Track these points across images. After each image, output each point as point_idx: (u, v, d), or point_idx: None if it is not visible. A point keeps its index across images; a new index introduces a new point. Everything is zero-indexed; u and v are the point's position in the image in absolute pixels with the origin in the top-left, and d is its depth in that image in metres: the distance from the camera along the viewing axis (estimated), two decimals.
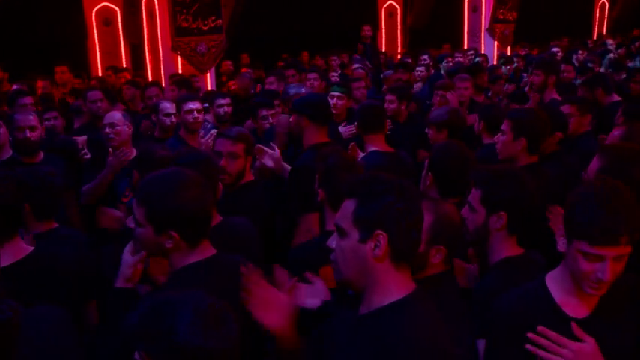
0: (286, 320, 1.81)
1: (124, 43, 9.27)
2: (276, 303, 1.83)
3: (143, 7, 8.42)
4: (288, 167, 3.53)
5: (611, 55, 8.33)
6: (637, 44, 10.70)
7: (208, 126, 4.77)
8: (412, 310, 1.58)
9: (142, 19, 8.48)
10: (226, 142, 3.16)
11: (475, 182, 2.30)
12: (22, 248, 2.29)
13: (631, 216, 1.70)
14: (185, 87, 6.03)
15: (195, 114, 4.33)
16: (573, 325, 1.76)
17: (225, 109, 4.91)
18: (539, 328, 1.77)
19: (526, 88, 5.86)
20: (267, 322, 1.79)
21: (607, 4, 15.51)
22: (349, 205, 1.62)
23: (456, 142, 3.06)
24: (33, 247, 2.32)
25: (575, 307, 1.82)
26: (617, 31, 13.55)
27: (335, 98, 4.85)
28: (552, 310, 1.83)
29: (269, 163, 3.53)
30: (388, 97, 5.06)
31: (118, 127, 3.89)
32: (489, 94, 6.56)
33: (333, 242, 1.68)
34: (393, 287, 1.60)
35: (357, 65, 7.82)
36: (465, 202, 2.38)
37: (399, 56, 11.20)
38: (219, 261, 2.03)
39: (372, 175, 1.66)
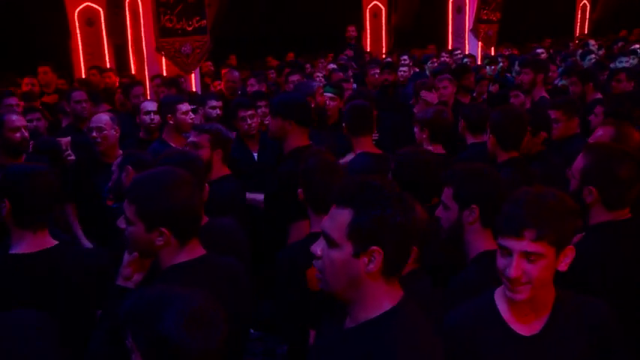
0: None
1: (108, 44, 9.18)
2: None
3: (127, 7, 8.36)
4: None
5: (593, 56, 8.43)
6: (620, 44, 10.83)
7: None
8: (399, 322, 1.51)
9: (126, 19, 8.43)
10: (192, 132, 3.24)
11: (446, 180, 2.35)
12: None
13: (543, 215, 1.65)
14: (175, 87, 6.02)
15: (191, 114, 4.37)
16: None
17: (218, 111, 4.89)
18: None
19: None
20: None
21: (588, 5, 15.69)
22: (343, 215, 1.50)
23: (415, 149, 3.03)
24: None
25: (523, 325, 1.77)
26: (597, 32, 13.72)
27: (327, 99, 4.84)
28: (501, 328, 1.77)
29: None
30: None
31: (105, 132, 3.85)
32: (474, 95, 6.60)
33: (317, 249, 1.57)
34: (381, 300, 1.52)
35: (332, 66, 7.86)
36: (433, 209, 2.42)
37: (383, 56, 11.24)
38: (209, 261, 2.03)
39: (368, 183, 1.52)
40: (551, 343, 1.74)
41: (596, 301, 1.83)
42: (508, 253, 1.69)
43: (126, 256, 2.02)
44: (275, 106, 3.45)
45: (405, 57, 8.27)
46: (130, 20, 8.38)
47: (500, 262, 1.72)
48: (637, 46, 9.52)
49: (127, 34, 8.52)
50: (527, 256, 1.67)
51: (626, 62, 7.82)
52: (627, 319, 1.93)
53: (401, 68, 7.73)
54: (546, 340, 1.74)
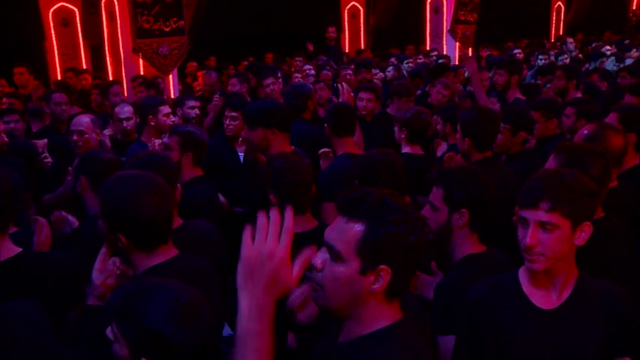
0: None
1: (84, 45, 9.07)
2: None
3: (102, 8, 8.26)
4: None
5: (566, 56, 8.56)
6: (593, 45, 11.03)
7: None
8: (394, 338, 1.44)
9: (102, 19, 8.33)
10: (174, 138, 3.21)
11: (436, 181, 2.34)
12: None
13: (559, 188, 1.76)
14: (153, 88, 5.97)
15: (172, 117, 4.35)
16: None
17: (197, 111, 4.86)
18: None
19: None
20: None
21: (563, 7, 15.94)
22: (354, 229, 1.40)
23: (381, 150, 2.97)
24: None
25: (543, 299, 1.85)
26: (572, 34, 13.94)
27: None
28: (521, 300, 1.86)
29: None
30: (366, 95, 4.96)
31: (86, 135, 3.79)
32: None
33: (318, 261, 1.44)
34: (378, 318, 1.44)
35: (308, 67, 7.85)
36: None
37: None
38: (181, 262, 2.02)
39: (384, 198, 1.43)
40: (568, 319, 1.82)
41: (619, 289, 1.90)
42: (526, 223, 1.80)
43: (96, 276, 1.94)
44: (252, 117, 3.36)
45: (393, 59, 8.34)
46: (106, 21, 8.29)
47: (520, 232, 1.83)
48: (607, 47, 9.69)
49: (104, 35, 8.42)
50: (542, 225, 1.77)
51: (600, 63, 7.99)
52: None
53: (374, 70, 7.78)
54: (563, 316, 1.82)
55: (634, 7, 15.89)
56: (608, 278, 2.24)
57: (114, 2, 7.94)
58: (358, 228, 1.40)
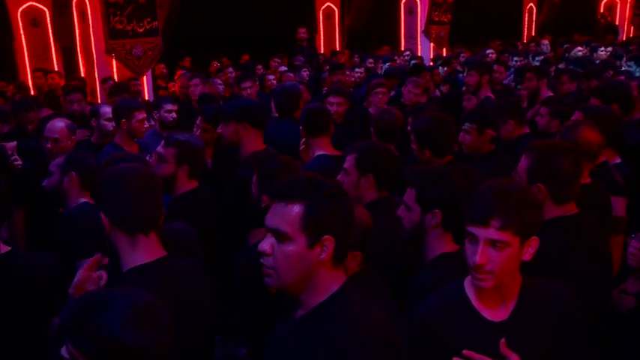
0: None
1: (55, 46, 8.91)
2: None
3: (74, 8, 8.11)
4: None
5: (542, 57, 8.68)
6: (565, 47, 11.21)
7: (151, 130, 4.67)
8: (347, 300, 1.59)
9: (73, 19, 8.18)
10: (163, 141, 3.14)
11: (409, 181, 2.35)
12: None
13: (509, 205, 1.72)
14: (122, 93, 5.87)
15: (146, 123, 4.27)
16: (501, 343, 1.75)
17: (174, 114, 4.81)
18: (466, 352, 1.75)
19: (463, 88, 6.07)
20: None
21: (534, 8, 16.19)
22: (293, 210, 1.54)
23: (377, 143, 3.03)
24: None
25: (492, 311, 1.83)
26: (543, 35, 14.16)
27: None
28: (471, 314, 1.83)
29: None
30: (335, 99, 4.90)
31: (61, 143, 3.73)
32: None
33: (266, 246, 1.59)
34: (329, 285, 1.59)
35: (283, 68, 7.85)
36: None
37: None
38: (169, 263, 2.01)
39: (311, 178, 1.60)
40: (520, 327, 1.81)
41: (559, 286, 1.91)
42: (475, 240, 1.76)
43: (74, 286, 1.93)
44: (226, 111, 3.41)
45: (371, 60, 8.38)
46: (77, 21, 8.14)
47: (468, 248, 1.79)
48: (579, 48, 9.87)
49: (75, 36, 8.28)
50: (492, 243, 1.74)
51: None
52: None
53: (357, 69, 7.81)
54: (514, 325, 1.81)
55: (602, 10, 16.23)
56: (580, 276, 2.29)
57: (85, 2, 7.81)
58: (298, 208, 1.54)
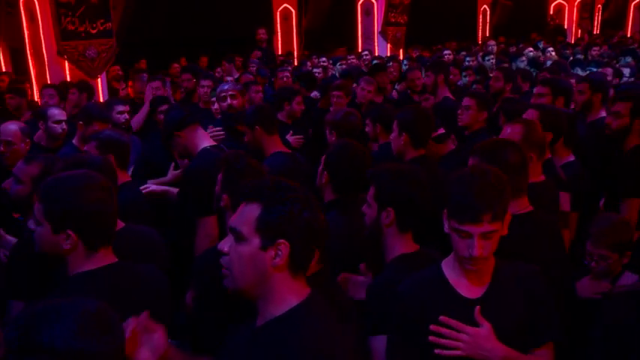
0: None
1: (3, 47, 8.63)
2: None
3: (21, 8, 7.85)
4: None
5: (492, 57, 8.88)
6: (520, 46, 11.50)
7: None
8: (306, 317, 1.55)
9: (22, 20, 7.92)
10: (92, 144, 3.16)
11: (370, 178, 2.38)
12: None
13: (494, 197, 1.85)
14: (87, 92, 5.86)
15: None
16: (476, 310, 1.88)
17: (126, 115, 4.76)
18: (442, 318, 1.88)
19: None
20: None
21: (488, 10, 16.56)
22: (251, 210, 1.55)
23: (352, 141, 3.10)
24: None
25: (468, 289, 1.95)
26: (497, 36, 14.49)
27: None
28: (448, 292, 1.95)
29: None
30: (300, 99, 5.07)
31: (14, 146, 3.63)
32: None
33: (225, 246, 1.60)
34: (288, 296, 1.56)
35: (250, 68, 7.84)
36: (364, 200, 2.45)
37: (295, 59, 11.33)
38: (120, 270, 1.97)
39: (277, 181, 1.60)
40: (494, 302, 1.94)
41: (529, 267, 2.04)
42: (468, 235, 1.86)
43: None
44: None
45: (324, 58, 8.39)
46: (26, 22, 7.89)
47: (460, 244, 1.89)
48: (530, 49, 10.14)
49: (24, 37, 8.02)
50: (485, 235, 1.86)
51: (520, 62, 8.33)
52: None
53: (315, 70, 7.82)
54: (489, 301, 1.93)
55: (551, 12, 16.75)
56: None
57: (34, 2, 7.58)
58: (255, 208, 1.55)
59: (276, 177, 1.65)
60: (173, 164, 4.09)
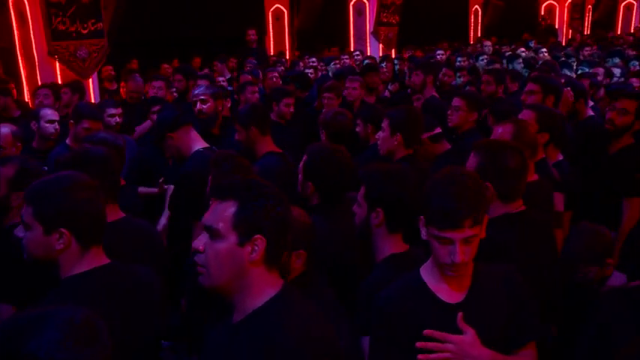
0: None
1: None
2: None
3: (11, 7, 7.79)
4: None
5: (485, 57, 8.91)
6: (513, 46, 11.54)
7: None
8: (286, 305, 1.59)
9: (11, 20, 7.86)
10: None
11: (361, 178, 2.39)
12: None
13: (473, 201, 1.84)
14: (79, 92, 5.82)
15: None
16: (459, 317, 1.86)
17: (117, 119, 4.73)
18: (426, 331, 1.85)
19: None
20: None
21: (480, 10, 16.61)
22: (227, 207, 1.58)
23: (326, 145, 3.04)
24: None
25: (449, 294, 1.93)
26: (489, 36, 14.54)
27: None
28: (428, 298, 1.92)
29: None
30: (289, 100, 5.04)
31: (5, 151, 3.60)
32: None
33: (200, 244, 1.61)
34: (265, 288, 1.60)
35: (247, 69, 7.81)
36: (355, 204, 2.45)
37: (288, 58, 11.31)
38: (113, 271, 1.96)
39: (250, 179, 1.65)
40: (475, 307, 1.92)
41: (508, 268, 2.04)
42: (449, 242, 1.84)
43: None
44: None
45: (314, 59, 8.37)
46: (16, 22, 7.82)
47: (441, 251, 1.86)
48: (522, 49, 10.18)
49: (14, 37, 7.96)
50: (466, 240, 1.84)
51: (517, 64, 8.35)
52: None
53: (306, 70, 7.81)
54: (470, 305, 1.92)
55: (542, 13, 16.82)
56: (528, 272, 2.36)
57: (24, 2, 7.53)
58: (232, 206, 1.58)
59: (248, 176, 1.73)
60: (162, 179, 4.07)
